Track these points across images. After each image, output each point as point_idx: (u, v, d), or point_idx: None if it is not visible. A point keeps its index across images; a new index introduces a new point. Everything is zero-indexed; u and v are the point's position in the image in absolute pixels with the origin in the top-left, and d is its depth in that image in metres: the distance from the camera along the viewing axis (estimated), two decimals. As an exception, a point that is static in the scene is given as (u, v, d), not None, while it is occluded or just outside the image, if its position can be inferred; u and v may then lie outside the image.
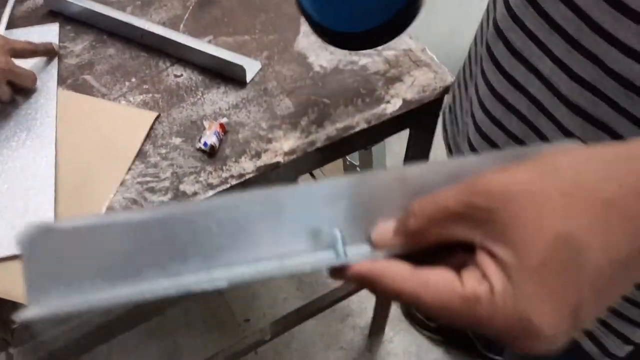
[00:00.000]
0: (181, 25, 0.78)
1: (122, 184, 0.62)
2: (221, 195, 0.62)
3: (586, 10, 0.38)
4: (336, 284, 1.41)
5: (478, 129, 0.55)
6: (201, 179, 0.62)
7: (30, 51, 0.69)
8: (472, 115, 0.56)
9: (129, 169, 0.63)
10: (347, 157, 1.48)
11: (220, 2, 0.81)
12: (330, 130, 0.66)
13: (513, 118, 0.49)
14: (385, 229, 0.30)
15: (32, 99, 0.68)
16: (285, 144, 0.65)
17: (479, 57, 0.54)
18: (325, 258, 0.30)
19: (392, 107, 0.68)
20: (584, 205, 0.23)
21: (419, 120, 0.73)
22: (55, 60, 0.73)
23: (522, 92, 0.47)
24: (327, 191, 0.31)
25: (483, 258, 0.25)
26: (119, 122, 0.67)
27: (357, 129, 0.67)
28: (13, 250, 0.55)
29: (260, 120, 0.67)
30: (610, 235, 0.23)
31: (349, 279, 0.29)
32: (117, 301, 0.28)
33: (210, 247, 0.30)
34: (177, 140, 0.66)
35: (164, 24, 0.77)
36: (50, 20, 0.78)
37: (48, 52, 0.72)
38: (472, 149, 0.56)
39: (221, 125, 0.65)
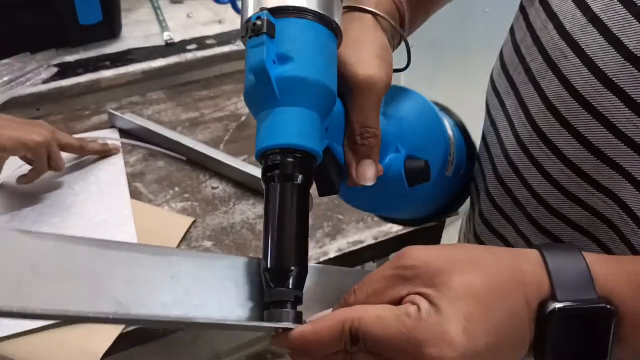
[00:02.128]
0: (222, 145, 0.91)
1: (157, 278, 0.71)
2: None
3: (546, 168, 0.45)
4: None
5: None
6: (225, 278, 0.71)
7: (76, 147, 0.82)
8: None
9: (165, 266, 0.72)
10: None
11: (257, 127, 0.95)
12: (342, 243, 0.75)
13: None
14: (322, 314, 0.34)
15: (108, 187, 0.82)
16: (301, 253, 0.74)
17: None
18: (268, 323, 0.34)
19: (397, 227, 0.77)
20: (480, 272, 0.33)
21: (423, 239, 0.82)
22: (121, 157, 0.87)
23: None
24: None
25: (412, 296, 0.33)
26: (161, 225, 0.77)
27: (366, 244, 0.76)
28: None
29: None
30: (497, 284, 0.32)
31: (290, 344, 0.33)
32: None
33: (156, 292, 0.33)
34: (208, 244, 0.76)
35: (207, 143, 0.90)
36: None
37: (102, 152, 0.86)
38: None
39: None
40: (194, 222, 0.78)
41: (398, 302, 0.33)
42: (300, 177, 0.36)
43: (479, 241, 0.54)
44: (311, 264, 0.36)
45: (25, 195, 0.80)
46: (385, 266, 0.34)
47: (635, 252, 0.40)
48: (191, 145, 0.87)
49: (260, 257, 0.36)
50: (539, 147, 0.43)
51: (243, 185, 0.84)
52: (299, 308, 0.35)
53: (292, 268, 0.34)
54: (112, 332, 0.65)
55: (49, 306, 0.29)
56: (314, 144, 0.36)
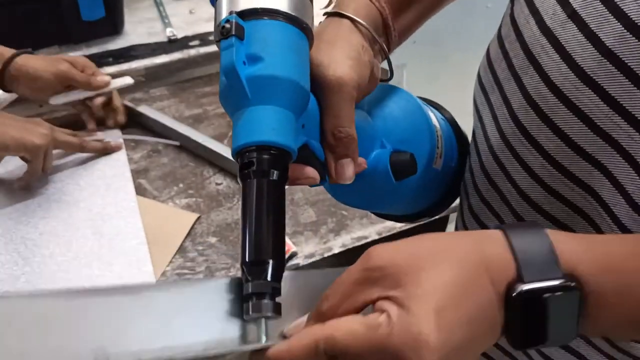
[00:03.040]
0: (225, 141, 0.91)
1: (163, 274, 0.72)
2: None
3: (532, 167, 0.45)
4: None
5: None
6: (231, 274, 0.72)
7: (75, 146, 0.83)
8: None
9: (170, 262, 0.73)
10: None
11: (260, 123, 0.95)
12: (346, 239, 0.76)
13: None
14: (297, 323, 0.35)
15: (113, 182, 0.83)
16: (305, 248, 0.75)
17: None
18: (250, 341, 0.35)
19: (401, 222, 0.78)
20: (443, 258, 0.33)
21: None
22: (124, 153, 0.88)
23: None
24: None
25: (381, 302, 0.33)
26: (166, 221, 0.78)
27: (370, 239, 0.76)
28: None
29: (286, 226, 0.77)
30: (463, 273, 0.32)
31: None
32: None
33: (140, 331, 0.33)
34: (213, 239, 0.76)
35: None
36: (128, 127, 0.94)
37: (102, 150, 0.86)
38: None
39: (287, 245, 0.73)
40: (198, 218, 0.79)
41: (369, 304, 0.33)
42: (275, 173, 0.37)
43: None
44: (286, 272, 0.37)
45: (30, 190, 0.81)
46: (352, 268, 0.34)
47: None
48: (200, 140, 0.88)
49: (238, 275, 0.37)
50: (521, 142, 0.44)
51: (247, 181, 0.84)
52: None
53: (269, 260, 0.35)
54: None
55: None
56: (288, 140, 0.37)
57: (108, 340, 0.32)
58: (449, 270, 0.32)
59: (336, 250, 0.75)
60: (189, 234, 0.77)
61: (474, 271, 0.33)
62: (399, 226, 0.77)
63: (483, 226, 0.52)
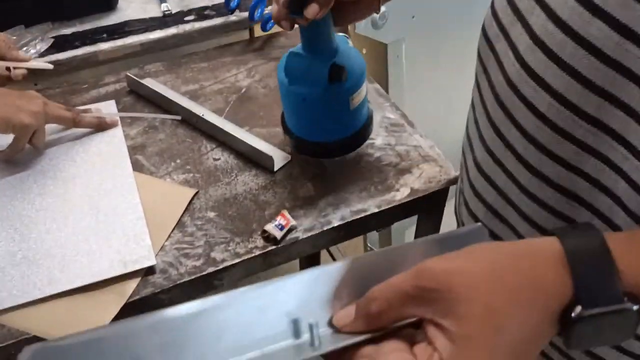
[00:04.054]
0: (222, 117, 0.90)
1: (161, 249, 0.71)
2: (247, 262, 0.70)
3: (533, 134, 0.47)
4: None
5: (465, 201, 0.61)
6: (230, 248, 0.71)
7: (69, 120, 0.82)
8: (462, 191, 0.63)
9: (169, 237, 0.72)
10: (368, 243, 1.56)
11: (257, 98, 0.94)
12: (345, 212, 0.75)
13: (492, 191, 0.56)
14: (346, 314, 0.36)
15: (110, 158, 0.82)
16: (304, 222, 0.74)
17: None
18: (305, 352, 0.35)
19: (400, 194, 0.77)
20: (502, 289, 0.33)
21: (425, 207, 0.82)
22: (120, 129, 0.87)
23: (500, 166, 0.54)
24: (296, 284, 0.36)
25: (432, 331, 0.33)
26: (164, 196, 0.77)
27: (369, 212, 0.76)
28: (122, 270, 0.67)
29: (285, 200, 0.77)
30: (520, 310, 0.32)
31: None
32: None
33: (199, 349, 0.33)
34: (211, 214, 0.76)
35: (207, 115, 0.89)
36: (131, 97, 0.93)
37: (97, 125, 0.85)
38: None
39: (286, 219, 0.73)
40: (196, 193, 0.78)
41: (413, 317, 0.34)
42: None
43: (473, 190, 0.56)
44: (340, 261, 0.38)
45: (25, 167, 0.80)
46: (406, 281, 0.34)
47: (624, 179, 0.41)
48: (201, 114, 0.86)
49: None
50: (528, 84, 0.44)
51: (245, 156, 0.83)
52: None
53: None
54: (117, 303, 0.65)
55: None
56: None
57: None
58: (506, 299, 0.32)
59: (335, 224, 0.74)
60: (187, 209, 0.76)
61: (532, 300, 0.33)
62: (398, 199, 0.77)
63: (487, 178, 0.53)
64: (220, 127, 0.84)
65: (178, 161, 0.83)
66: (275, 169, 0.81)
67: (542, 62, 0.43)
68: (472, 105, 0.57)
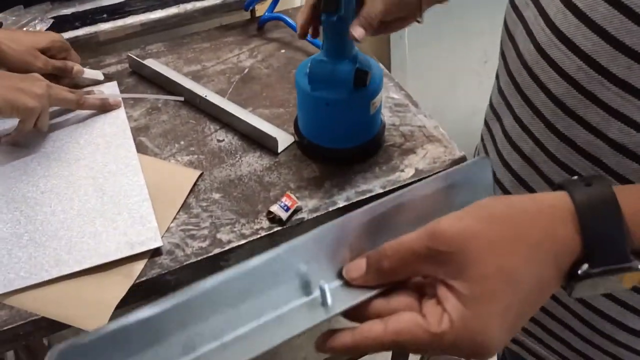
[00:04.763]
0: (225, 97, 0.90)
1: (167, 230, 0.71)
2: (253, 242, 0.71)
3: (561, 99, 0.47)
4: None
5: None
6: (235, 229, 0.72)
7: (73, 102, 0.81)
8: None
9: (174, 218, 0.73)
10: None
11: (260, 78, 0.93)
12: (350, 193, 0.75)
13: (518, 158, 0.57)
14: (357, 267, 0.36)
15: (114, 139, 0.81)
16: (309, 203, 0.74)
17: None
18: (318, 316, 0.35)
19: (405, 175, 0.77)
20: (518, 247, 0.32)
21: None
22: (123, 110, 0.86)
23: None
24: (306, 243, 0.37)
25: (443, 292, 0.33)
26: (168, 178, 0.77)
27: (374, 192, 0.76)
28: (129, 252, 0.67)
29: (290, 181, 0.77)
30: (535, 268, 0.32)
31: (335, 351, 0.35)
32: None
33: (218, 322, 0.34)
34: (216, 195, 0.76)
35: (211, 96, 0.89)
36: (133, 78, 0.93)
37: (101, 107, 0.85)
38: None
39: (292, 200, 0.73)
40: (201, 175, 0.78)
41: (424, 275, 0.35)
42: None
43: (501, 158, 0.57)
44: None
45: (28, 150, 0.80)
46: (419, 242, 0.34)
47: None
48: (203, 94, 0.86)
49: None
50: (557, 47, 0.45)
51: (249, 137, 0.83)
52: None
53: None
54: (124, 284, 0.65)
55: None
56: None
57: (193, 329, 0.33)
58: (519, 266, 0.32)
59: (341, 204, 0.74)
60: (192, 190, 0.76)
61: (544, 265, 0.33)
62: (402, 179, 0.77)
63: (515, 147, 0.54)
64: (224, 108, 0.84)
65: (182, 142, 0.83)
66: (280, 150, 0.80)
67: (573, 24, 0.43)
68: (497, 76, 0.58)
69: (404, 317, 0.34)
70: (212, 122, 0.86)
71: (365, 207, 0.38)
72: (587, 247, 0.33)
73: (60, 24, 0.99)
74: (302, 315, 0.36)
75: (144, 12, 1.02)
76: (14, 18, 0.98)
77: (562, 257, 0.33)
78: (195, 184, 0.77)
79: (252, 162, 0.80)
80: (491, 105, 0.60)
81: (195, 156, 0.81)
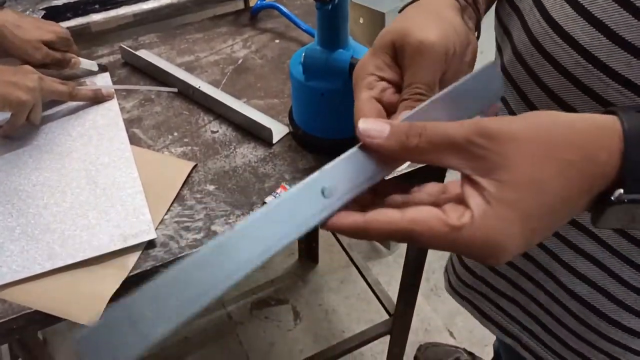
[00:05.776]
0: (219, 88, 0.89)
1: (161, 222, 0.70)
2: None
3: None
4: (350, 333, 1.46)
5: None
6: (230, 221, 0.71)
7: (65, 94, 0.80)
8: None
9: (168, 210, 0.72)
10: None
11: (254, 69, 0.92)
12: (346, 183, 0.75)
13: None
14: (378, 127, 0.33)
15: (106, 131, 0.81)
16: (305, 194, 0.73)
17: None
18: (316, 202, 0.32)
19: (404, 164, 0.76)
20: (554, 162, 0.31)
21: (426, 177, 0.81)
22: (116, 102, 0.85)
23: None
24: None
25: (468, 189, 0.32)
26: (161, 170, 0.76)
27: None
28: (123, 244, 0.66)
29: (284, 172, 0.76)
30: (567, 185, 0.31)
31: (342, 230, 0.32)
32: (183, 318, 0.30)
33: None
34: (210, 187, 0.75)
35: (204, 87, 0.88)
36: (126, 69, 0.92)
37: (93, 98, 0.84)
38: None
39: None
40: (194, 167, 0.77)
41: (449, 167, 0.33)
42: None
43: None
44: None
45: (20, 143, 0.79)
46: (460, 131, 0.32)
47: None
48: (197, 85, 0.85)
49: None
50: (553, 40, 0.44)
51: (243, 128, 0.82)
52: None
53: None
54: (118, 277, 0.65)
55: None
56: None
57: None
58: (551, 180, 0.31)
59: (336, 195, 0.74)
60: (186, 182, 0.75)
61: (576, 184, 0.32)
62: (399, 169, 0.76)
63: None
64: (218, 99, 0.83)
65: (175, 134, 0.82)
66: (274, 141, 0.80)
67: (570, 17, 0.42)
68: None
69: (424, 208, 0.32)
70: (205, 113, 0.85)
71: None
72: (625, 172, 0.32)
73: (51, 15, 0.97)
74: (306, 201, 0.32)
75: (136, 2, 1.00)
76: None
77: (598, 180, 0.32)
78: (189, 175, 0.76)
79: (247, 153, 0.79)
80: None
81: (189, 147, 0.80)
